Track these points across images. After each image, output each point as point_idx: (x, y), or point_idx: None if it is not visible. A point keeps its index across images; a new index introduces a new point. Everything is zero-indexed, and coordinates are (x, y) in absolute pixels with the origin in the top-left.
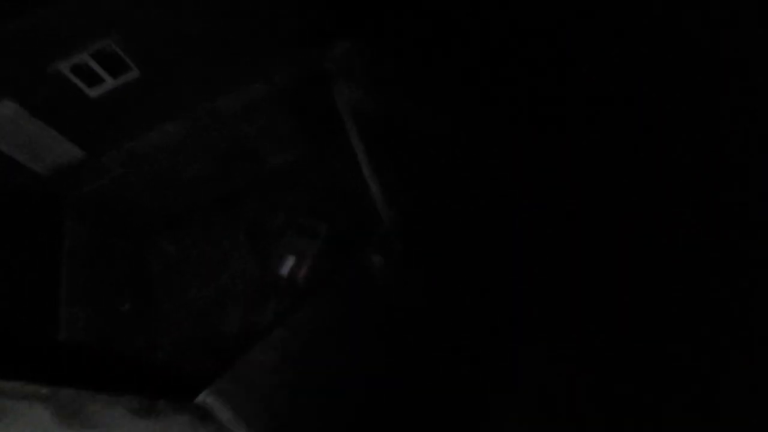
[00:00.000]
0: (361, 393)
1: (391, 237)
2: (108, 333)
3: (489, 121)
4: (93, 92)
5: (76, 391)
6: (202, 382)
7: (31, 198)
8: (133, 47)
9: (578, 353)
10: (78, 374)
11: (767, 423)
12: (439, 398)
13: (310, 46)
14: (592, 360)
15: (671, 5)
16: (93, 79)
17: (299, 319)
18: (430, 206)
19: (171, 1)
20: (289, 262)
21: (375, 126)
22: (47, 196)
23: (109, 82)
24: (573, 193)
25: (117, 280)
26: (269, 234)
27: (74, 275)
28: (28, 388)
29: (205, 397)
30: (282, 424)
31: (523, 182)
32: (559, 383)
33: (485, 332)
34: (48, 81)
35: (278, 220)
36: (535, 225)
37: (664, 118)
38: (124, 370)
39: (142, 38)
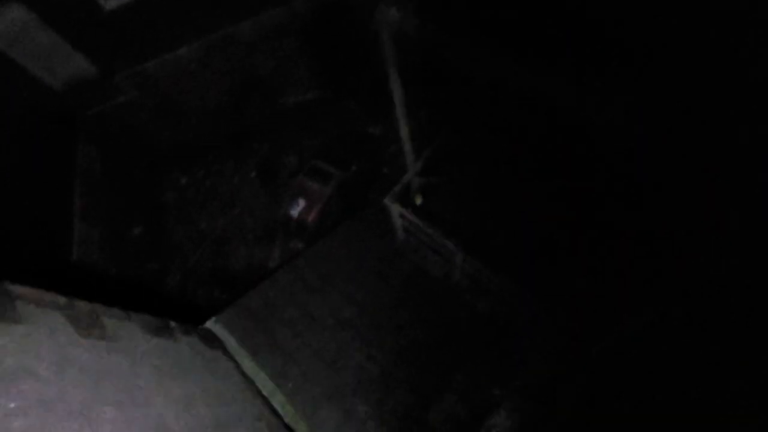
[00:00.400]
0: (362, 337)
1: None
2: (120, 255)
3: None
4: (108, 4)
5: (92, 305)
6: (209, 311)
7: (45, 114)
8: None
9: None
10: (91, 292)
11: None
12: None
13: None
14: None
15: None
16: None
17: (307, 261)
18: (462, 150)
19: None
20: (300, 204)
21: (416, 56)
22: (61, 114)
23: None
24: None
25: (129, 203)
26: (281, 174)
27: (87, 195)
28: (47, 296)
29: (212, 324)
30: (285, 359)
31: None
32: None
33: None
34: None
35: (291, 160)
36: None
37: None
38: (136, 291)
39: None
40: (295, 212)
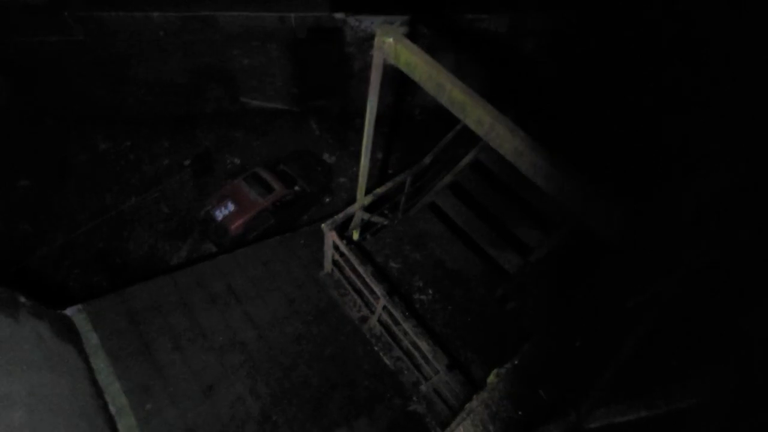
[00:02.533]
0: (252, 366)
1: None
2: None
3: None
4: None
5: None
6: (80, 296)
7: None
8: None
9: None
10: None
11: None
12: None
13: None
14: None
15: None
16: None
17: (218, 268)
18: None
19: None
20: (228, 208)
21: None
22: None
23: None
24: None
25: (26, 150)
26: (217, 171)
27: None
28: None
29: (74, 312)
30: (153, 373)
31: None
32: None
33: None
34: None
35: (234, 161)
36: None
37: None
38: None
39: None
40: (219, 214)
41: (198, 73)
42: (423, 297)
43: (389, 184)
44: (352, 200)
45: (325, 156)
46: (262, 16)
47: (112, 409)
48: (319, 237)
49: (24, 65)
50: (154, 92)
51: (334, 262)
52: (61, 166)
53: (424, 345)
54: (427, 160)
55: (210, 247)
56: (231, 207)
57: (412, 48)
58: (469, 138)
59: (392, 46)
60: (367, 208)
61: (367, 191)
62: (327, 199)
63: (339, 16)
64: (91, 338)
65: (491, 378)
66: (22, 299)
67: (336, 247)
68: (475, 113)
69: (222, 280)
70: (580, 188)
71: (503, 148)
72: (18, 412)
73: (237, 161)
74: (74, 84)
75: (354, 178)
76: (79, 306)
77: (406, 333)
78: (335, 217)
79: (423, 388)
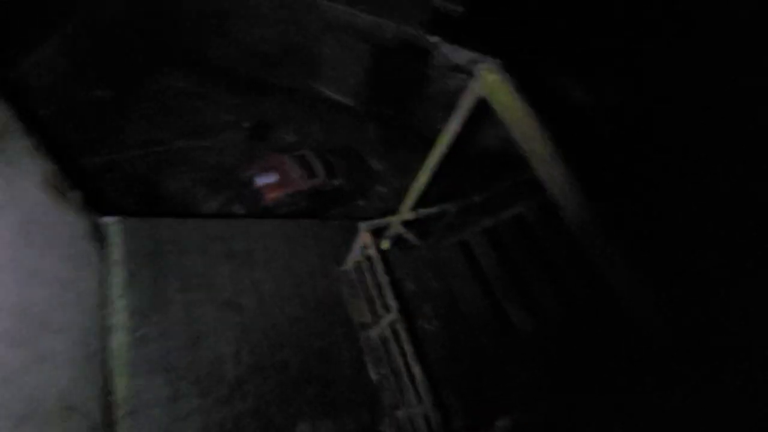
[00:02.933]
0: (243, 331)
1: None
2: (67, 101)
3: None
4: None
5: (14, 116)
6: (112, 209)
7: None
8: None
9: None
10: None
11: None
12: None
13: None
14: None
15: None
16: None
17: (246, 228)
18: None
19: None
20: (269, 178)
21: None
22: None
23: None
24: None
25: (113, 64)
26: (271, 142)
27: (78, 29)
28: None
29: (112, 222)
30: (155, 303)
31: None
32: None
33: None
34: None
35: (289, 137)
36: None
37: None
38: (60, 142)
39: None
40: (260, 181)
41: (286, 47)
42: (427, 326)
43: (434, 209)
44: (387, 211)
45: (373, 162)
46: (363, 17)
47: (112, 321)
48: (346, 234)
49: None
50: (242, 52)
51: (356, 263)
52: (138, 90)
53: (418, 372)
54: (477, 199)
55: (240, 209)
56: (272, 178)
57: (511, 91)
58: (521, 190)
59: (493, 81)
60: (405, 224)
61: (416, 207)
62: (360, 203)
63: (434, 39)
64: (116, 251)
65: None
66: (74, 194)
67: (365, 248)
68: (552, 171)
69: (244, 241)
70: (639, 283)
71: (569, 213)
72: (41, 289)
73: (291, 139)
74: (177, 24)
75: (393, 191)
76: (117, 218)
77: (403, 354)
78: (375, 220)
79: (400, 414)
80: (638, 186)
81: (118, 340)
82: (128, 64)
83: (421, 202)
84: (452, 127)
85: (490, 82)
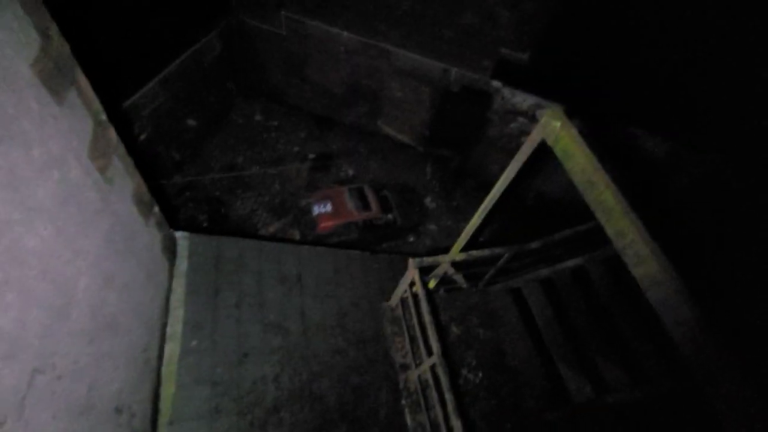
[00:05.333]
0: (286, 354)
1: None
2: (162, 128)
3: None
4: None
5: (118, 138)
6: (183, 226)
7: None
8: None
9: None
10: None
11: None
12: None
13: None
14: None
15: None
16: None
17: (300, 255)
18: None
19: None
20: (325, 208)
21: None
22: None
23: None
24: None
25: (206, 102)
26: (332, 174)
27: (189, 64)
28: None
29: (182, 237)
30: (209, 317)
31: None
32: None
33: None
34: None
35: (348, 171)
36: None
37: None
38: (149, 160)
39: None
40: (317, 210)
41: (354, 88)
42: (470, 376)
43: (486, 252)
44: (436, 249)
45: (427, 200)
46: (429, 63)
47: (169, 330)
48: (394, 269)
49: (238, 39)
50: (314, 92)
51: (402, 299)
52: (222, 121)
53: (458, 426)
54: (534, 245)
55: (295, 234)
56: (328, 207)
57: (577, 137)
58: (583, 241)
59: (557, 128)
60: (455, 265)
61: (467, 249)
62: (411, 239)
63: (496, 84)
64: (182, 263)
65: None
66: (156, 209)
67: (412, 286)
68: (620, 224)
69: (296, 266)
70: (719, 356)
71: (637, 270)
72: (115, 293)
73: (350, 172)
74: (260, 65)
75: (444, 230)
76: (186, 234)
77: (443, 403)
78: (424, 258)
79: None
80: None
81: (172, 349)
82: (216, 99)
83: (474, 244)
84: (511, 170)
85: (552, 128)
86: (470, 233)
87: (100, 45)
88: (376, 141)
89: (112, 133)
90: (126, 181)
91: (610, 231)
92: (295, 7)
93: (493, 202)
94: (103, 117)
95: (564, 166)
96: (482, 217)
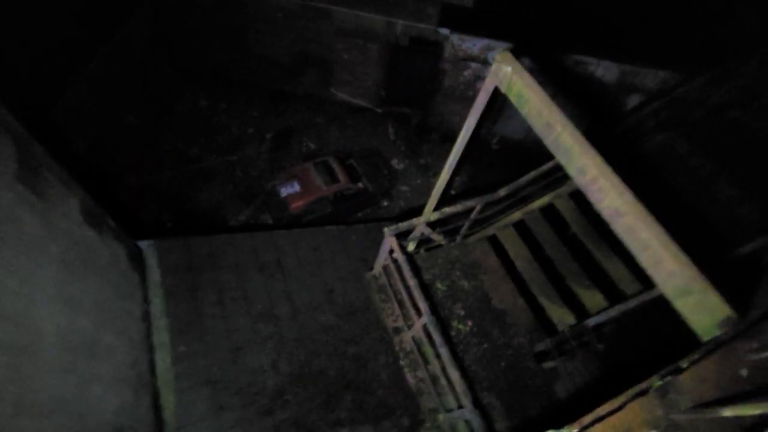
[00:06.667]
0: (279, 340)
1: None
2: (100, 130)
3: None
4: None
5: (45, 153)
6: (148, 229)
7: None
8: None
9: None
10: (55, 148)
11: None
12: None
13: None
14: None
15: None
16: None
17: (273, 239)
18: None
19: None
20: (293, 187)
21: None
22: None
23: None
24: None
25: (142, 94)
26: (294, 150)
27: (113, 55)
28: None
29: (147, 246)
30: (193, 319)
31: None
32: None
33: None
34: None
35: (310, 145)
36: None
37: None
38: (92, 170)
39: None
40: (284, 191)
41: (301, 56)
42: (461, 326)
43: (458, 207)
44: (410, 210)
45: (394, 161)
46: (372, 17)
47: (155, 340)
48: (371, 237)
49: (168, 17)
50: (260, 65)
51: (384, 267)
52: (166, 111)
53: (455, 375)
54: (503, 192)
55: (267, 218)
56: (296, 187)
57: (529, 81)
58: (548, 179)
59: (508, 74)
60: (430, 225)
61: (436, 208)
62: (385, 203)
63: (444, 31)
64: (154, 273)
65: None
66: (110, 222)
67: (391, 253)
68: (580, 161)
69: (274, 253)
70: (683, 274)
71: (602, 203)
72: (84, 317)
73: (312, 146)
74: (197, 43)
75: (416, 189)
76: (151, 242)
77: (438, 357)
78: (399, 224)
79: (440, 417)
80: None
81: (162, 358)
82: (155, 89)
83: (445, 200)
84: (471, 121)
85: (504, 74)
86: (441, 190)
87: (9, 55)
88: (333, 109)
89: (38, 149)
90: (66, 198)
91: (571, 170)
92: None
93: (458, 156)
94: (24, 133)
95: (519, 112)
96: (450, 172)
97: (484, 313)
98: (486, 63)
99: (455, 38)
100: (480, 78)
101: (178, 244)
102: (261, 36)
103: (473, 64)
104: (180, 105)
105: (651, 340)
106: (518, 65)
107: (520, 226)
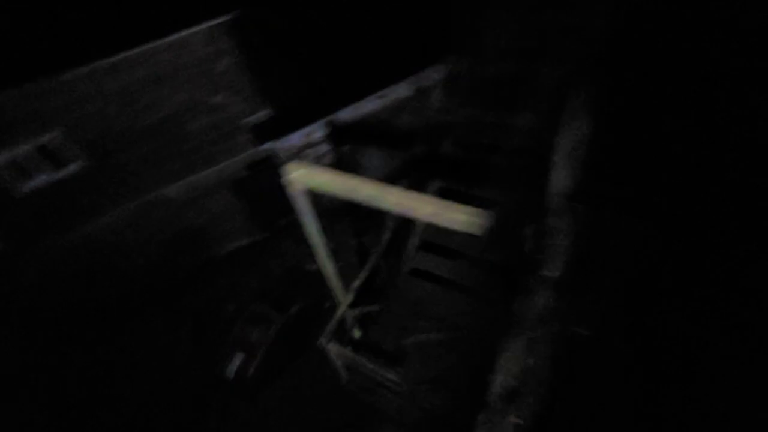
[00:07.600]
0: None
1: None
2: None
3: None
4: (25, 187)
5: None
6: None
7: None
8: (79, 139)
9: None
10: None
11: None
12: None
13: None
14: None
15: None
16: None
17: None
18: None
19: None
20: (238, 359)
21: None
22: None
23: (47, 177)
24: None
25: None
26: (217, 325)
27: None
28: None
29: None
30: None
31: None
32: None
33: None
34: None
35: (228, 308)
36: None
37: None
38: None
39: (90, 131)
40: (232, 369)
41: (167, 244)
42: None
43: (363, 274)
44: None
45: (308, 266)
46: (199, 176)
47: None
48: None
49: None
50: (135, 277)
51: (348, 368)
52: (61, 383)
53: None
54: (386, 236)
55: (237, 404)
56: (239, 357)
57: (319, 172)
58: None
59: (302, 177)
60: (354, 303)
61: (347, 287)
62: (327, 304)
63: (267, 146)
64: None
65: None
66: None
67: (340, 355)
68: (390, 199)
69: None
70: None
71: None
72: None
73: (231, 306)
74: (62, 300)
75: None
76: None
77: None
78: (327, 328)
79: None
80: None
81: None
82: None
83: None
84: (310, 226)
85: (299, 178)
86: (334, 278)
87: None
88: (225, 265)
89: None
90: None
91: (389, 207)
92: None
93: (322, 247)
94: None
95: (327, 194)
96: (329, 264)
97: (454, 331)
98: (319, 143)
99: (279, 144)
100: (324, 156)
101: None
102: (118, 255)
103: (308, 151)
104: (75, 359)
105: None
106: (305, 166)
107: (426, 245)
